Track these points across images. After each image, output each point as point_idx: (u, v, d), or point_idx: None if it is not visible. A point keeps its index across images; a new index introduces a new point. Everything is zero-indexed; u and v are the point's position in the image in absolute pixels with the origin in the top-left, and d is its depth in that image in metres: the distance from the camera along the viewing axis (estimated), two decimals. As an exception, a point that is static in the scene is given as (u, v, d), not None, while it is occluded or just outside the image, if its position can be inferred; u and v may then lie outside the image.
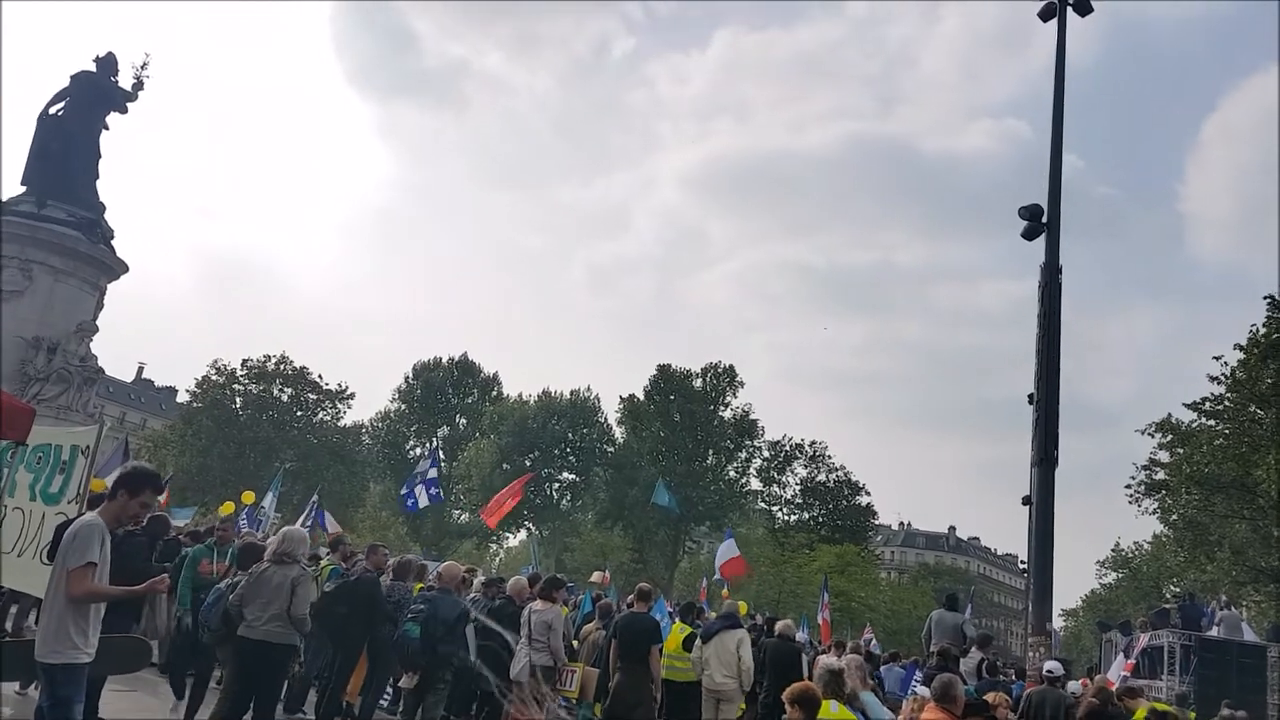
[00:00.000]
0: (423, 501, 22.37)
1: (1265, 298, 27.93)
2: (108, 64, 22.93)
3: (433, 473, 23.03)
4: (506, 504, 21.81)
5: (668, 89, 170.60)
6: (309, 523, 22.16)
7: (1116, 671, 18.89)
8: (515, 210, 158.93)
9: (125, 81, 23.06)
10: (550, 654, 10.10)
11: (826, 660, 8.75)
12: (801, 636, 21.04)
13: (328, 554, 13.88)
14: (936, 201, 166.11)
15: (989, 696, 7.98)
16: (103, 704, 9.07)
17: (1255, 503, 27.23)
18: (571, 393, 68.99)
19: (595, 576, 22.92)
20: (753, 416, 64.28)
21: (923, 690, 9.81)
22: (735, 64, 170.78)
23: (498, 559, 74.14)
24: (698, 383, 63.77)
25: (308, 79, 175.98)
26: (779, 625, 14.30)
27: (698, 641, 11.78)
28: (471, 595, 12.32)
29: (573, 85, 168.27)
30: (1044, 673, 10.55)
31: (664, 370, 63.69)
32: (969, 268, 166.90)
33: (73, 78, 22.58)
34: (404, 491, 23.04)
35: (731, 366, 64.58)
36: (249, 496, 25.08)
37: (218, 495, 43.23)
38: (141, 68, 23.21)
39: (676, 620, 13.30)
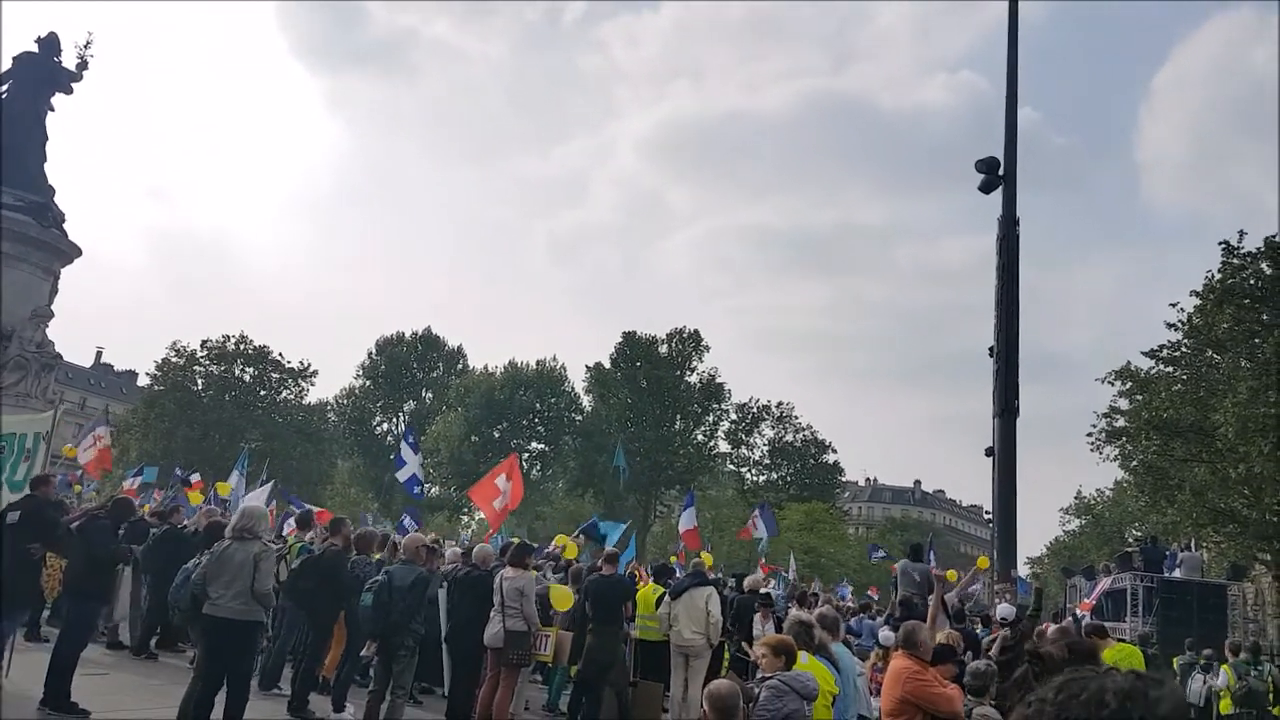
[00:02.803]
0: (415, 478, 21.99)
1: (1220, 244, 28.32)
2: (50, 44, 22.43)
3: (416, 458, 22.69)
4: (506, 505, 18.70)
5: (621, 53, 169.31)
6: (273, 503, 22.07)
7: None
8: (474, 180, 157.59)
9: (69, 61, 22.62)
10: (524, 619, 10.16)
11: (796, 613, 8.87)
12: (777, 591, 21.32)
13: (296, 531, 13.85)
14: (895, 158, 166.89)
15: (941, 635, 8.13)
16: (75, 687, 9.03)
17: (1213, 446, 27.72)
18: (538, 363, 68.95)
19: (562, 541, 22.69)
20: (719, 380, 64.70)
21: (885, 635, 9.98)
22: (688, 25, 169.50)
23: (469, 530, 74.19)
24: (663, 349, 63.94)
25: (252, 53, 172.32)
26: (747, 581, 14.50)
27: (666, 598, 11.89)
28: (450, 564, 12.35)
29: (526, 52, 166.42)
30: (998, 619, 10.73)
31: (629, 337, 63.76)
32: (929, 223, 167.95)
33: (15, 59, 22.07)
34: (409, 482, 22.39)
35: (697, 331, 64.85)
36: (224, 488, 24.96)
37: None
38: (85, 47, 22.75)
39: (650, 581, 13.43)
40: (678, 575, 13.63)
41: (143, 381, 68.02)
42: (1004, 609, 10.79)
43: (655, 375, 62.41)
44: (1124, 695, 1.44)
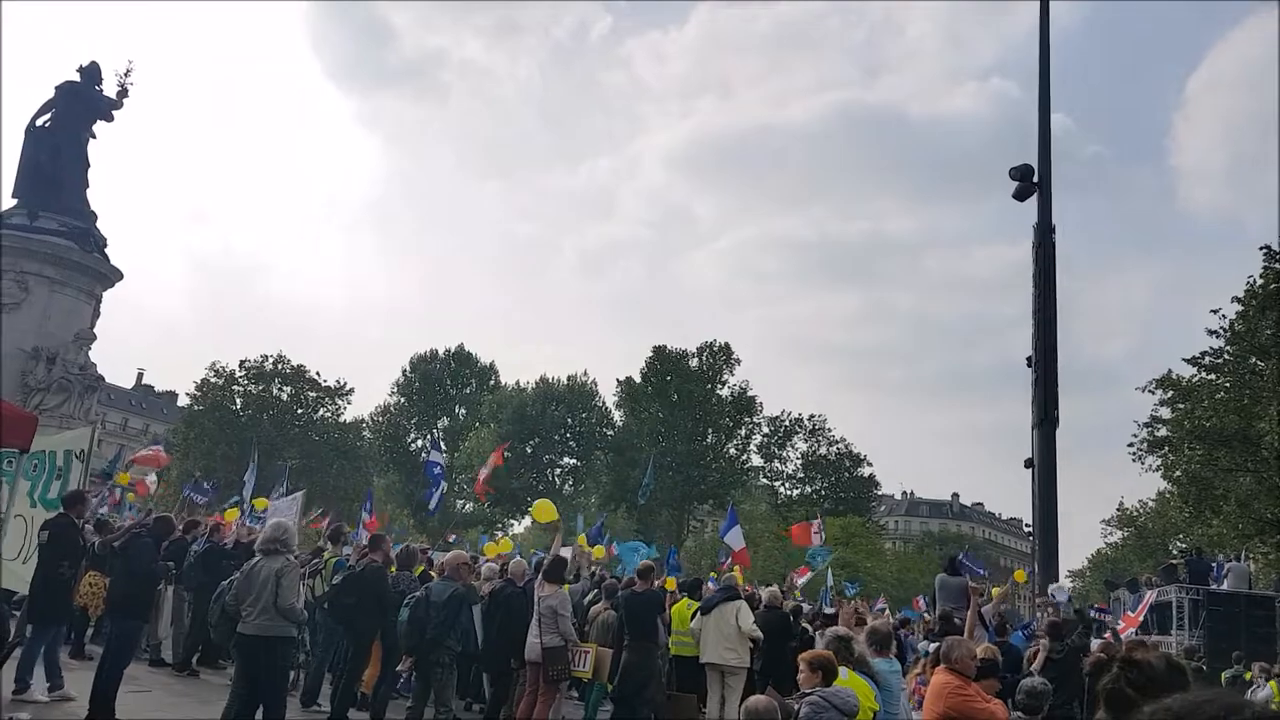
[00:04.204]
0: (433, 500, 23.09)
1: (1261, 248, 27.89)
2: (92, 73, 22.90)
3: (438, 469, 23.60)
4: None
5: (648, 68, 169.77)
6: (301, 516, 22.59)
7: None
8: (504, 197, 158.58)
9: (110, 90, 23.08)
10: (560, 636, 10.14)
11: (834, 628, 8.79)
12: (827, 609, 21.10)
13: (330, 547, 13.95)
14: (925, 168, 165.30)
15: (980, 649, 8.04)
16: (119, 705, 9.12)
17: (1259, 454, 27.24)
18: (569, 378, 69.10)
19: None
20: (751, 393, 64.30)
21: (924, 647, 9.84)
22: (715, 39, 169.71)
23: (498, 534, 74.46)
24: (694, 362, 63.73)
25: (287, 77, 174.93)
26: (765, 594, 14.32)
27: (697, 615, 11.81)
28: (487, 579, 12.37)
29: (554, 70, 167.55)
30: (1041, 629, 10.55)
31: (660, 351, 63.63)
32: (961, 233, 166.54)
33: (58, 88, 22.54)
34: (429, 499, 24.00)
35: (727, 344, 64.54)
36: (262, 503, 25.24)
37: (221, 496, 43.40)
38: (125, 75, 23.19)
39: (684, 597, 13.35)
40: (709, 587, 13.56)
41: (183, 402, 68.96)
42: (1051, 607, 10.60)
43: (686, 389, 62.19)
44: (1260, 714, 1.36)
